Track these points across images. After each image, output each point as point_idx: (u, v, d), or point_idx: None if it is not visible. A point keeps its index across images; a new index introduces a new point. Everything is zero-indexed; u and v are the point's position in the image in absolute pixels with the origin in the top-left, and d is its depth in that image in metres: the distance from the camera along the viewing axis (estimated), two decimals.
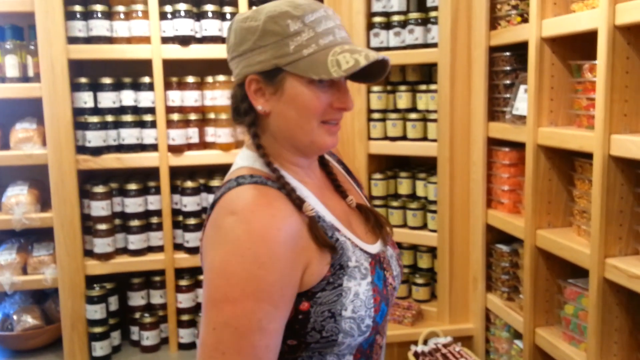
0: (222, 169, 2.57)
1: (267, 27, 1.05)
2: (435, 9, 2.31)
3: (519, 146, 2.08)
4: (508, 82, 2.16)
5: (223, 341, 0.97)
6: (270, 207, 1.02)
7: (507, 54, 2.15)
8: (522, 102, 2.03)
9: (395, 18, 2.40)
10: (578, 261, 1.76)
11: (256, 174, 1.09)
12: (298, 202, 1.06)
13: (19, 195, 2.37)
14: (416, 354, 2.24)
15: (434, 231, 2.40)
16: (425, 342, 2.30)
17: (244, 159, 1.14)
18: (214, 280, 1.00)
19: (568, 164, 1.93)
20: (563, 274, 1.95)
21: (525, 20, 2.05)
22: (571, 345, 1.86)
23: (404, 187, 2.51)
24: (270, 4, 1.09)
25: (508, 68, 2.16)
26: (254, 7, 1.12)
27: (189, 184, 2.47)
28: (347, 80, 1.13)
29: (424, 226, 2.46)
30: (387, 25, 2.42)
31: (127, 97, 2.43)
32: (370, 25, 2.45)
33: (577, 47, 1.89)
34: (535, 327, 2.00)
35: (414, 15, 2.36)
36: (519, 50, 2.08)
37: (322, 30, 1.05)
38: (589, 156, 1.69)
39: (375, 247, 1.17)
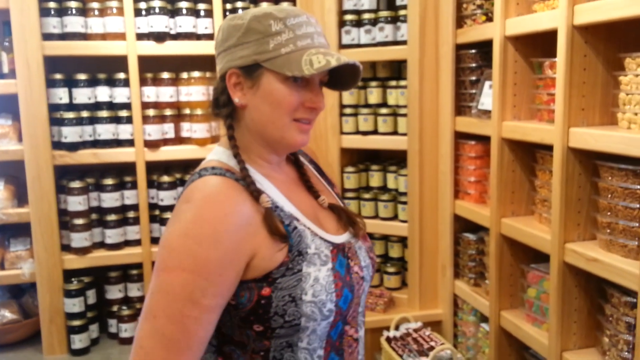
0: (198, 164, 2.58)
1: (251, 25, 1.13)
2: (404, 7, 2.40)
3: (484, 139, 2.18)
4: (474, 78, 2.26)
5: (157, 305, 1.06)
6: (221, 195, 1.09)
7: (473, 51, 2.25)
8: (487, 98, 2.13)
9: (366, 16, 2.48)
10: (540, 247, 1.87)
11: (219, 166, 1.16)
12: (255, 194, 1.13)
13: None
14: (388, 339, 2.33)
15: (405, 222, 2.50)
16: (397, 328, 2.39)
17: (213, 154, 1.21)
18: (161, 252, 1.09)
19: (530, 155, 2.03)
20: (526, 260, 2.06)
21: (489, 19, 2.14)
22: (534, 326, 1.97)
23: (375, 179, 2.60)
24: (258, 7, 1.17)
25: (474, 65, 2.26)
26: (249, 9, 1.21)
27: (165, 178, 2.51)
28: (322, 84, 1.19)
29: (394, 217, 2.56)
30: (358, 23, 2.50)
31: (103, 93, 2.46)
32: (341, 23, 2.53)
33: (539, 45, 1.98)
34: (501, 310, 2.11)
35: (384, 13, 2.45)
36: (484, 47, 2.18)
37: (301, 33, 1.13)
38: (549, 148, 1.79)
39: (340, 238, 1.23)
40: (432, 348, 2.20)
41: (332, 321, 1.15)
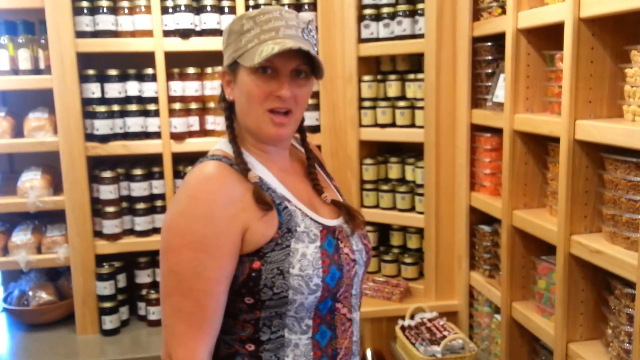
0: None
1: (231, 27, 1.26)
2: (422, 1, 2.42)
3: (499, 132, 2.19)
4: (489, 70, 2.27)
5: (169, 285, 1.19)
6: (213, 176, 1.21)
7: (489, 44, 2.26)
8: (502, 90, 2.14)
9: (385, 10, 2.52)
10: (547, 238, 1.88)
11: (217, 153, 1.27)
12: (244, 173, 1.23)
13: (32, 180, 2.53)
14: (403, 328, 2.38)
15: (422, 213, 2.54)
16: (412, 317, 2.44)
17: (217, 144, 1.33)
18: (162, 235, 1.22)
19: (542, 148, 2.04)
20: (537, 252, 2.07)
21: (505, 12, 2.15)
22: (543, 317, 1.98)
23: (394, 171, 2.64)
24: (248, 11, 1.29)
25: (489, 57, 2.27)
26: None
27: (191, 169, 2.61)
28: (300, 74, 1.25)
29: (412, 208, 2.60)
30: (377, 17, 2.54)
31: (132, 88, 2.57)
32: (360, 17, 2.58)
33: (551, 38, 1.97)
34: (512, 301, 2.13)
35: (402, 7, 2.48)
36: (500, 40, 2.18)
37: (267, 27, 1.21)
38: (559, 140, 1.81)
39: (332, 222, 1.32)
40: (444, 337, 2.24)
41: (319, 296, 1.23)
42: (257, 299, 1.21)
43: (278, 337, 1.24)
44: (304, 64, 1.24)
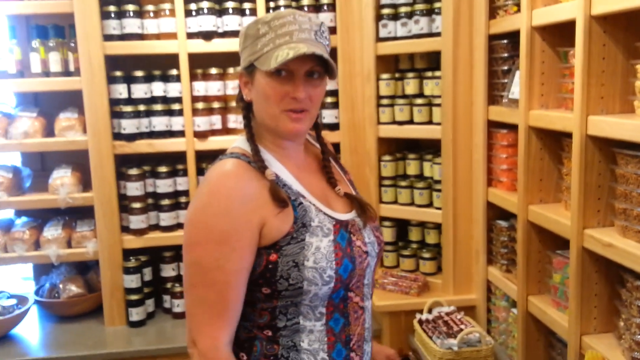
0: None
1: (247, 32, 1.32)
2: (439, 0, 2.46)
3: (515, 128, 2.22)
4: (506, 68, 2.30)
5: (193, 276, 1.27)
6: (232, 173, 1.28)
7: (505, 41, 2.29)
8: (518, 87, 2.17)
9: (402, 9, 2.56)
10: (561, 232, 1.91)
11: (235, 151, 1.34)
12: (261, 170, 1.30)
13: (63, 177, 2.64)
14: (420, 321, 2.42)
15: (439, 209, 2.57)
16: (429, 311, 2.48)
17: (235, 142, 1.40)
18: (185, 229, 1.29)
19: (557, 144, 2.06)
20: (553, 246, 2.09)
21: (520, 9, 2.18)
22: (558, 310, 2.01)
23: (412, 167, 2.68)
24: (263, 15, 1.36)
25: (506, 55, 2.29)
26: None
27: (211, 166, 2.69)
28: (313, 75, 1.31)
29: (430, 204, 2.63)
30: (395, 17, 2.58)
31: (157, 88, 2.66)
32: (378, 17, 2.62)
33: (565, 35, 1.99)
34: (528, 295, 2.15)
35: (419, 6, 2.52)
36: (516, 37, 2.21)
37: (282, 32, 1.27)
38: (572, 136, 1.83)
39: (345, 216, 1.38)
40: (461, 331, 2.27)
41: (332, 287, 1.30)
42: (273, 289, 1.28)
43: (293, 324, 1.31)
44: (317, 65, 1.31)
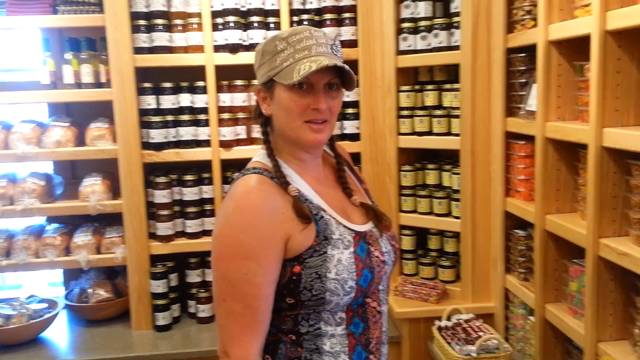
0: None
1: (265, 48, 1.39)
2: (457, 14, 2.52)
3: (532, 139, 2.26)
4: (523, 80, 2.35)
5: (223, 290, 1.32)
6: (256, 190, 1.33)
7: (522, 55, 2.34)
8: (535, 99, 2.22)
9: (422, 23, 2.63)
10: (577, 241, 1.95)
11: (258, 166, 1.39)
12: (284, 186, 1.35)
13: (93, 185, 2.73)
14: (439, 328, 2.47)
15: (458, 218, 2.63)
16: (448, 318, 2.52)
17: (256, 156, 1.46)
18: (214, 244, 1.34)
19: (574, 155, 2.10)
20: (569, 255, 2.13)
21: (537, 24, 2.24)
22: (575, 318, 2.04)
23: (431, 177, 2.74)
24: (281, 31, 1.40)
25: (523, 68, 2.35)
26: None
27: (238, 175, 2.77)
28: (332, 87, 1.38)
29: (448, 213, 2.69)
30: (415, 30, 2.65)
31: (185, 99, 2.75)
32: (399, 31, 2.69)
33: (581, 49, 2.02)
34: (545, 303, 2.19)
35: (438, 20, 2.59)
36: (533, 51, 2.26)
37: (300, 47, 1.33)
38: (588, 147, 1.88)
39: (363, 227, 1.44)
40: (479, 337, 2.32)
41: (353, 296, 1.35)
42: (297, 299, 1.34)
43: (315, 329, 1.37)
44: (335, 77, 1.37)
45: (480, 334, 2.37)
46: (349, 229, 1.40)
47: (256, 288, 1.30)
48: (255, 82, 1.46)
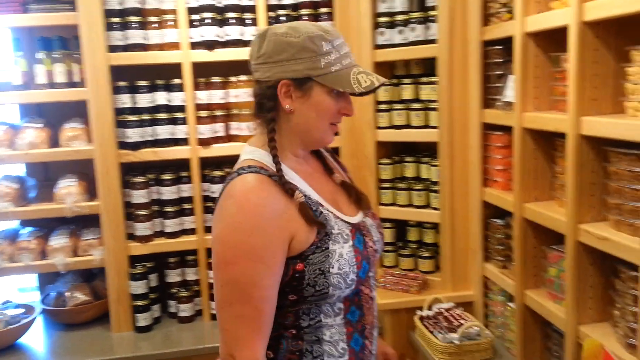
0: None
1: (305, 44, 1.31)
2: (434, 8, 2.56)
3: (509, 130, 2.31)
4: (500, 72, 2.40)
5: (229, 294, 1.29)
6: (258, 190, 1.30)
7: (499, 47, 2.39)
8: (511, 90, 2.27)
9: (399, 17, 2.66)
10: (557, 228, 2.01)
11: (253, 164, 1.35)
12: (290, 192, 1.33)
13: (69, 186, 2.68)
14: (421, 318, 2.51)
15: (437, 209, 2.67)
16: (429, 308, 2.57)
17: (247, 153, 1.41)
18: (217, 248, 1.31)
19: (551, 144, 2.16)
20: (548, 241, 2.18)
21: (513, 16, 2.28)
22: (555, 303, 2.10)
23: (409, 170, 2.78)
24: (305, 25, 1.35)
25: (499, 60, 2.39)
26: (290, 24, 1.36)
27: (217, 173, 2.76)
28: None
29: (427, 205, 2.73)
30: (391, 25, 2.68)
31: (161, 97, 2.71)
32: (376, 25, 2.72)
33: (557, 40, 2.07)
34: (525, 289, 2.25)
35: (415, 14, 2.62)
36: (509, 43, 2.30)
37: (343, 53, 1.36)
38: (565, 136, 1.93)
39: (355, 219, 1.46)
40: (461, 325, 2.36)
41: (353, 288, 1.38)
42: (300, 295, 1.34)
43: (316, 322, 1.38)
44: None
45: (462, 321, 2.41)
46: (345, 222, 1.41)
47: (264, 290, 1.29)
48: (257, 74, 1.38)
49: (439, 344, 2.31)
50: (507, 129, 2.36)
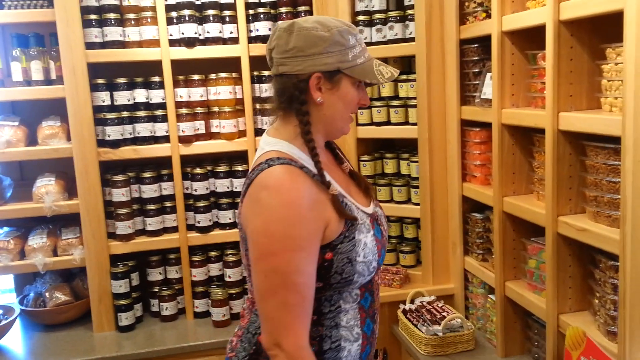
0: (227, 156, 2.87)
1: (336, 38, 1.38)
2: (411, 7, 2.60)
3: (487, 126, 2.37)
4: (477, 70, 2.45)
5: (274, 283, 1.33)
6: (294, 182, 1.35)
7: (475, 45, 2.44)
8: (489, 88, 2.32)
9: (377, 16, 2.69)
10: (536, 221, 2.06)
11: (282, 156, 1.39)
12: (327, 185, 1.39)
13: (47, 185, 2.64)
14: (404, 311, 2.55)
15: (417, 204, 2.72)
16: (412, 301, 2.61)
17: (269, 144, 1.44)
18: (259, 240, 1.34)
19: (528, 139, 2.22)
20: (527, 234, 2.24)
21: (489, 15, 2.32)
22: (535, 293, 2.16)
23: (389, 166, 2.82)
24: (330, 20, 1.42)
25: (476, 58, 2.45)
26: (314, 19, 1.41)
27: (198, 170, 2.76)
28: None
29: (408, 200, 2.77)
30: (370, 23, 2.71)
31: (140, 95, 2.70)
32: (354, 23, 2.74)
33: (533, 38, 2.14)
34: (505, 281, 2.30)
35: (393, 13, 2.66)
36: (485, 42, 2.36)
37: (363, 46, 1.46)
38: (543, 132, 1.98)
39: (370, 209, 1.52)
40: (444, 317, 2.41)
41: (373, 275, 1.49)
42: (326, 282, 1.40)
43: (336, 308, 1.45)
44: None
45: (444, 314, 2.46)
46: (364, 212, 1.48)
47: (306, 277, 1.34)
48: (284, 68, 1.40)
49: (422, 336, 2.36)
50: (484, 125, 2.42)
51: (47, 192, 2.62)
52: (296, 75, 1.39)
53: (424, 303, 2.57)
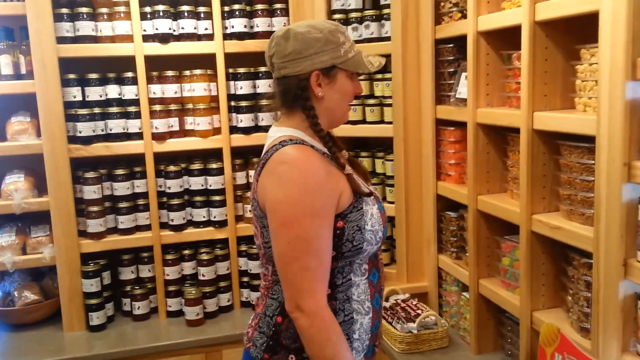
0: (201, 154, 2.83)
1: (328, 37, 1.54)
2: (387, 6, 2.61)
3: (462, 125, 2.39)
4: (452, 70, 2.47)
5: (295, 249, 1.45)
6: (308, 156, 1.50)
7: (450, 45, 2.46)
8: (464, 87, 2.34)
9: (353, 15, 2.69)
10: (510, 219, 2.09)
11: (294, 138, 1.54)
12: (342, 165, 1.57)
13: (16, 182, 2.58)
14: None
15: (392, 203, 2.73)
16: (386, 299, 2.62)
17: (279, 132, 1.57)
18: (281, 209, 1.46)
19: (502, 138, 2.25)
20: (500, 232, 2.27)
21: (464, 16, 2.35)
22: (508, 291, 2.19)
23: (365, 164, 2.82)
24: (320, 22, 1.58)
25: (451, 58, 2.47)
26: (306, 23, 1.56)
27: (172, 168, 2.73)
28: None
29: (383, 199, 2.78)
30: (346, 22, 2.71)
31: (113, 91, 2.66)
32: None
33: (509, 39, 2.16)
34: (479, 278, 2.33)
35: (369, 12, 2.66)
36: (460, 42, 2.38)
37: (352, 41, 1.60)
38: (517, 131, 2.01)
39: (371, 187, 1.65)
40: (418, 315, 2.43)
41: (379, 245, 1.62)
42: (338, 251, 1.52)
43: (347, 280, 1.57)
44: None
45: (419, 312, 2.48)
46: (368, 190, 1.61)
47: (325, 241, 1.46)
48: (286, 70, 1.53)
49: (397, 333, 2.37)
50: (459, 125, 2.44)
51: (16, 189, 2.57)
52: (297, 75, 1.53)
53: (398, 301, 2.59)
